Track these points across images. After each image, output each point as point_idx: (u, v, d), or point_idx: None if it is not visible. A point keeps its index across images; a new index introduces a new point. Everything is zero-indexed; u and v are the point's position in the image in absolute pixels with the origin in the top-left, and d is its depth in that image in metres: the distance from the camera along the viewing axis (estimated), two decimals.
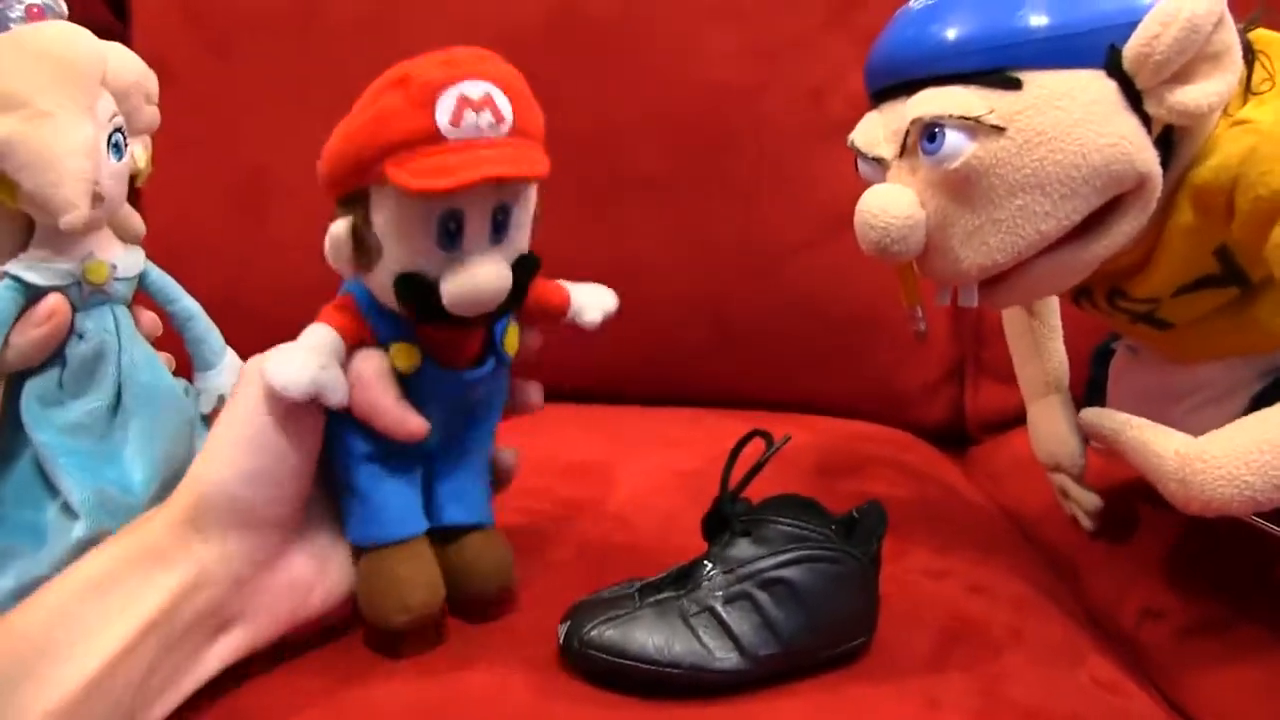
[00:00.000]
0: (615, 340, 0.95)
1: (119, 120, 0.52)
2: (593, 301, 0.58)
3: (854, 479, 0.79)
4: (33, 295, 0.51)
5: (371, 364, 0.51)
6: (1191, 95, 0.48)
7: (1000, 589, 0.63)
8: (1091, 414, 0.55)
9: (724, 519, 0.52)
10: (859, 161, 0.57)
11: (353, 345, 0.51)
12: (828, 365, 0.96)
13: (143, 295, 0.57)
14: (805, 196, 0.92)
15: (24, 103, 0.47)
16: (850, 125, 0.90)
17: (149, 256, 0.58)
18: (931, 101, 0.51)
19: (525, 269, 0.51)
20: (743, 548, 0.50)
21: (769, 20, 0.91)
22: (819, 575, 0.50)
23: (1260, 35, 0.53)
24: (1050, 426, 0.70)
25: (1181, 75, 0.48)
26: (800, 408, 0.96)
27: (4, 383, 0.52)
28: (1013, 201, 0.50)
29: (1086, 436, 0.64)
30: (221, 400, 0.59)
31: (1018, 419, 0.92)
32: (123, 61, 0.53)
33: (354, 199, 0.49)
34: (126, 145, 0.53)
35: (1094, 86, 0.49)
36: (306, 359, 0.49)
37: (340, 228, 0.48)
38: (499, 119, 0.48)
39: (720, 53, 0.91)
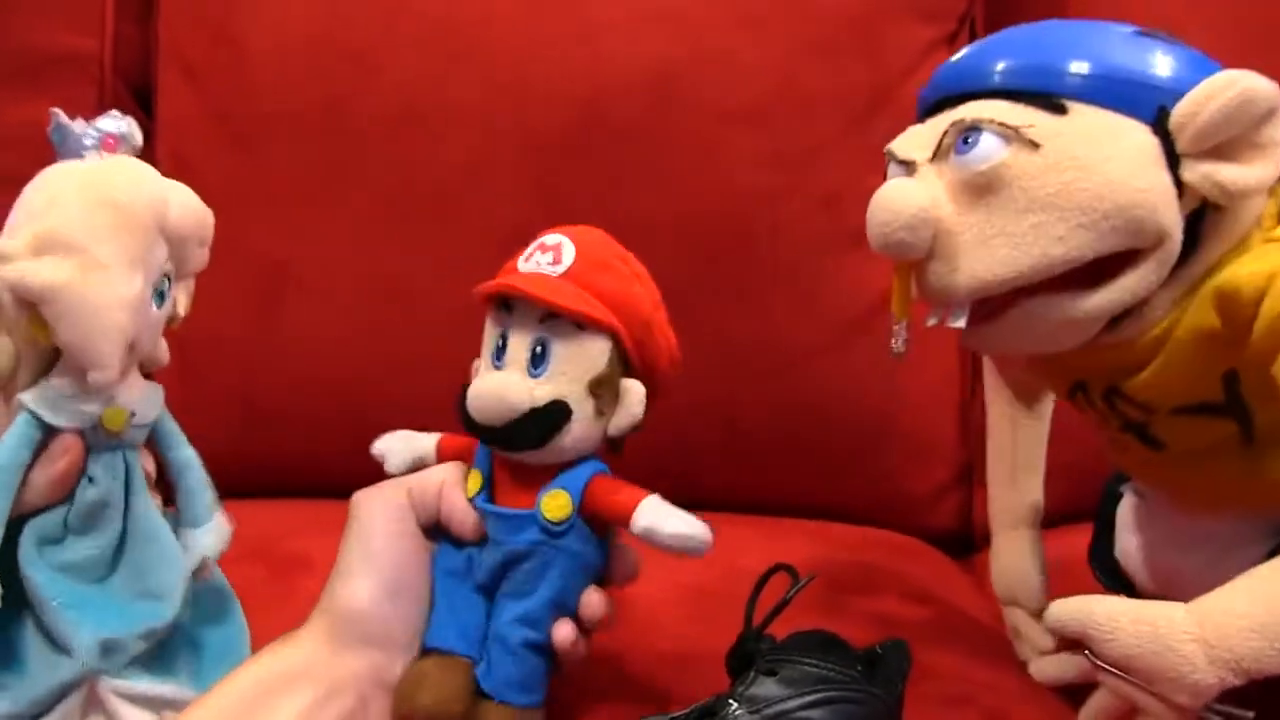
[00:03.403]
0: (629, 440, 0.96)
1: (168, 267, 0.52)
2: (668, 526, 0.54)
3: (868, 595, 0.78)
4: (48, 433, 0.50)
5: (454, 472, 0.58)
6: (1228, 173, 0.48)
7: (1019, 716, 0.63)
8: (1059, 607, 0.51)
9: (748, 656, 0.52)
10: (889, 167, 0.56)
11: (446, 458, 0.60)
12: (837, 470, 0.96)
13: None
14: (819, 302, 0.93)
15: (81, 250, 0.47)
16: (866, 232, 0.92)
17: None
18: (975, 108, 0.51)
19: (547, 412, 0.54)
20: (768, 687, 0.50)
21: (789, 127, 0.93)
22: (845, 717, 0.49)
23: None
24: (1012, 560, 0.70)
25: (1224, 152, 0.49)
26: (809, 512, 0.96)
27: None
28: (1029, 218, 0.49)
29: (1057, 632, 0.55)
30: (204, 561, 0.57)
31: None
32: (185, 208, 0.53)
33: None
34: (170, 292, 0.53)
35: (1137, 135, 0.49)
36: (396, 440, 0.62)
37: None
38: (556, 261, 0.55)
39: (739, 158, 0.92)
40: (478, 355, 0.58)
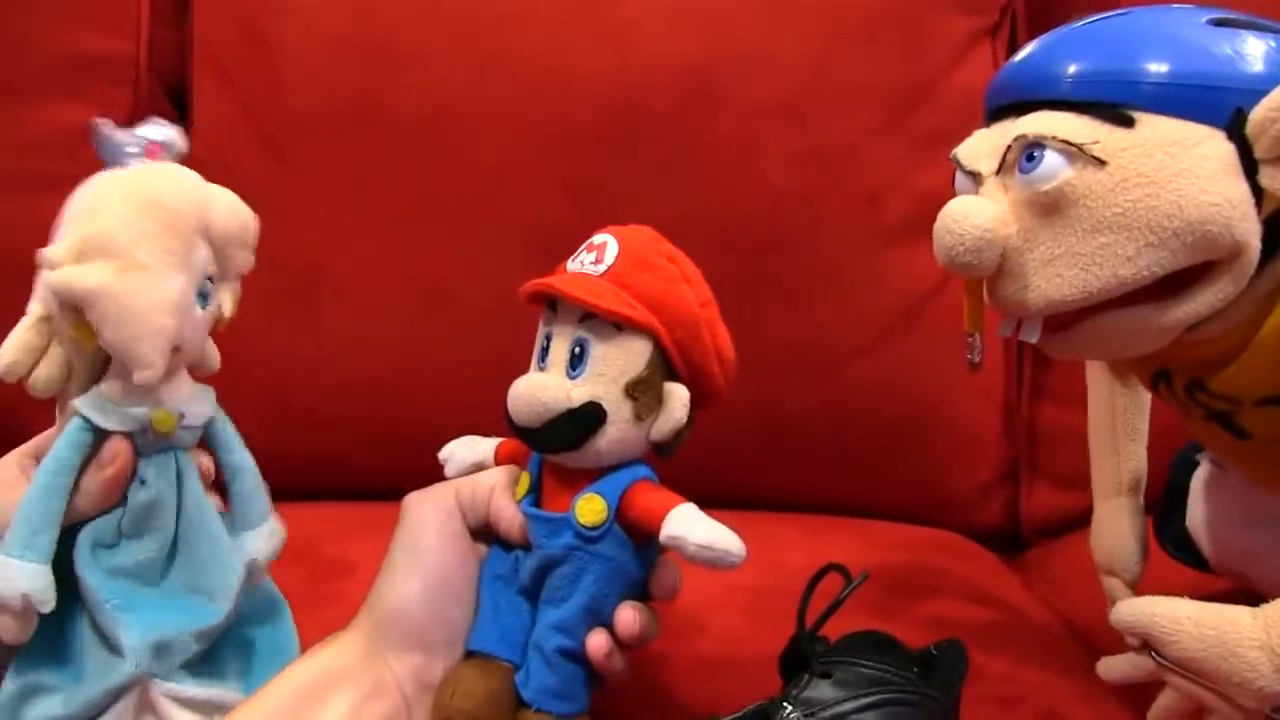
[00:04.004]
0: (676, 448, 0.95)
1: (211, 269, 0.52)
2: (695, 535, 0.50)
3: (916, 594, 0.77)
4: (100, 437, 0.50)
5: (505, 475, 0.57)
6: None
7: (1072, 716, 0.62)
8: (1124, 608, 0.51)
9: (802, 658, 0.51)
10: (956, 175, 0.54)
11: (504, 462, 0.60)
12: (880, 468, 0.95)
13: (201, 440, 0.56)
14: (860, 300, 0.92)
15: (122, 253, 0.47)
16: (907, 228, 0.91)
17: None
18: (1039, 122, 0.49)
19: (582, 413, 0.52)
20: (823, 689, 0.49)
21: (826, 122, 0.91)
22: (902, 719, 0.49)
23: None
24: (1113, 527, 0.67)
25: None
26: (853, 511, 0.95)
27: None
28: (1096, 238, 0.47)
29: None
30: (254, 564, 0.57)
31: (1072, 523, 0.92)
32: (228, 211, 0.53)
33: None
34: (214, 293, 0.53)
35: (1209, 143, 0.47)
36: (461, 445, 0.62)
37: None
38: (598, 260, 0.54)
39: (776, 154, 0.91)
40: (513, 354, 0.57)
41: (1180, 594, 0.51)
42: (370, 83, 0.92)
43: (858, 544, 0.87)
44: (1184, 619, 0.48)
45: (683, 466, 0.93)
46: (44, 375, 0.51)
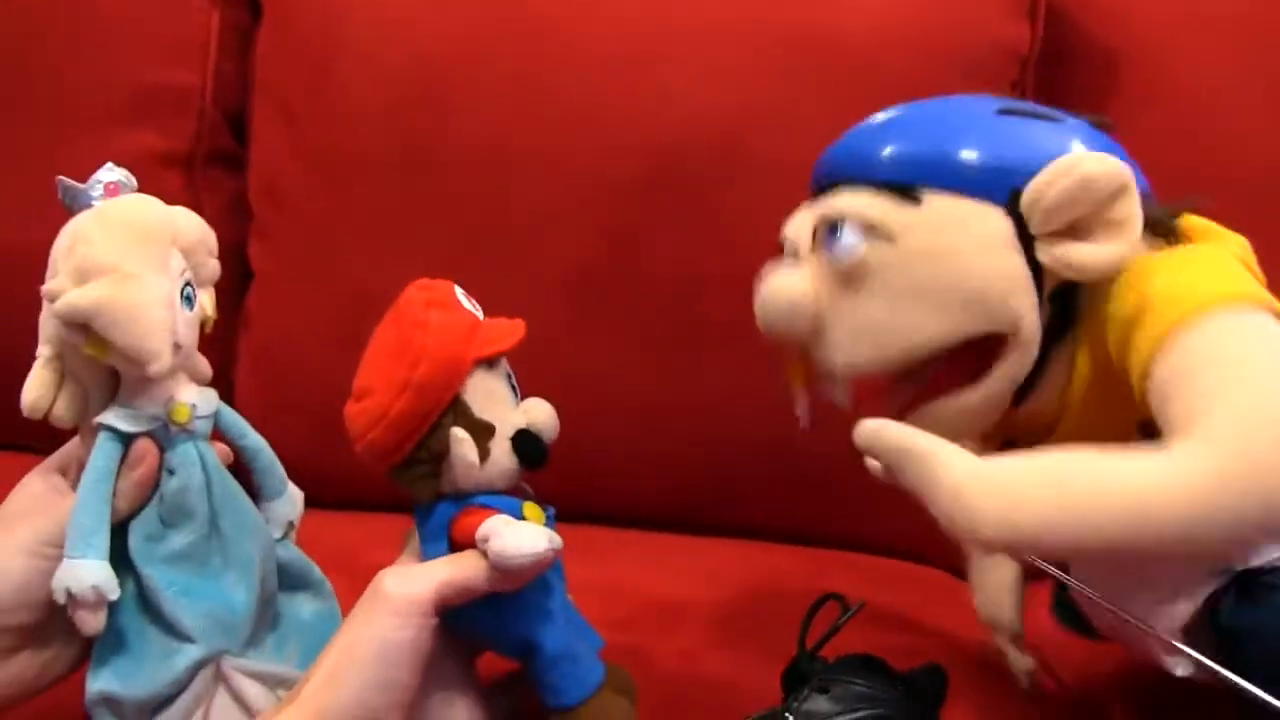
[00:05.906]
0: (683, 471, 1.00)
1: (188, 274, 0.58)
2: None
3: (905, 628, 0.82)
4: (127, 442, 0.56)
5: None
6: (1081, 253, 0.51)
7: None
8: (860, 427, 0.51)
9: (802, 675, 0.57)
10: (785, 251, 0.59)
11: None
12: (876, 506, 0.98)
13: (216, 431, 0.61)
14: None
15: (112, 268, 0.53)
16: None
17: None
18: (839, 200, 0.54)
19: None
20: (819, 703, 0.55)
21: None
22: None
23: (1196, 224, 0.55)
24: (992, 589, 0.72)
25: (1077, 231, 0.51)
26: (850, 545, 1.00)
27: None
28: (890, 307, 0.52)
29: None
30: (290, 526, 0.64)
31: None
32: (188, 222, 0.59)
33: (441, 419, 0.55)
34: (195, 296, 0.58)
35: (990, 220, 0.52)
36: (528, 527, 0.53)
37: (462, 437, 0.55)
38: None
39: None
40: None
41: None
42: (423, 126, 0.98)
43: (852, 577, 0.92)
44: (907, 458, 0.48)
45: (699, 495, 0.97)
46: (64, 407, 0.57)
